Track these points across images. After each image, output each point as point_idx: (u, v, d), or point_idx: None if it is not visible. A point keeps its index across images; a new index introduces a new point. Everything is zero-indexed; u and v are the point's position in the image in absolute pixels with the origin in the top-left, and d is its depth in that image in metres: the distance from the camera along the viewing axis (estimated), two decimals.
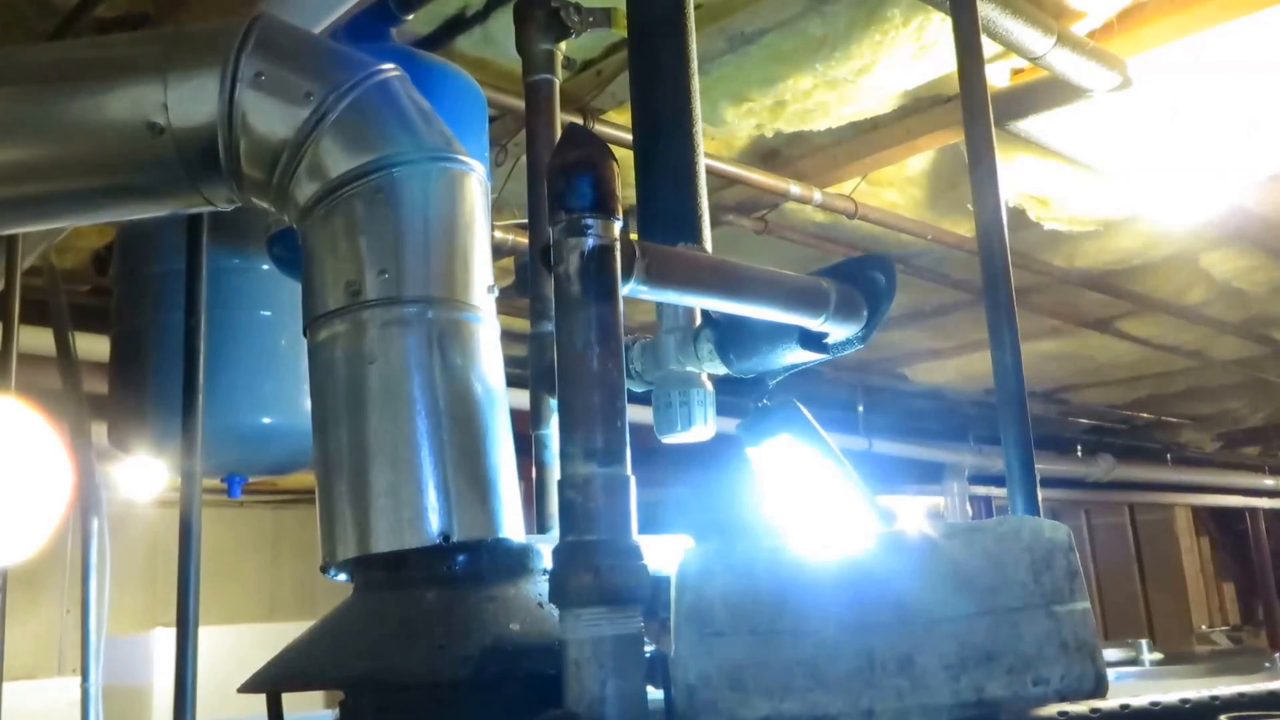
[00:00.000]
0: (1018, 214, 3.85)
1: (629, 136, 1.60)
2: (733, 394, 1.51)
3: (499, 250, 3.19)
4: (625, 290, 1.13)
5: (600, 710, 0.97)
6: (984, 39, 2.00)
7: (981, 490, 7.79)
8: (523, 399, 1.84)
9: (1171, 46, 2.79)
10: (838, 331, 1.46)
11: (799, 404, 1.46)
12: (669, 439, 1.47)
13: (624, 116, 2.86)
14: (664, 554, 1.07)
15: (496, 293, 1.45)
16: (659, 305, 1.48)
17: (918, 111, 3.22)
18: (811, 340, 1.45)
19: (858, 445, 6.30)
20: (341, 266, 1.36)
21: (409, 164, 1.38)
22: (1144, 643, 4.82)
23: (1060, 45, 2.63)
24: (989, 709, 0.95)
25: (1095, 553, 10.04)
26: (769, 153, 3.53)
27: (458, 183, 1.41)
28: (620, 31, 1.94)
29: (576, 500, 1.01)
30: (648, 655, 1.02)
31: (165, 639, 4.86)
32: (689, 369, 1.47)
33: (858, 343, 1.51)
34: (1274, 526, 10.93)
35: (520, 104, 2.12)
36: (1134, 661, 4.63)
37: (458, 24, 2.61)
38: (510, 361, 1.51)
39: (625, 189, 1.10)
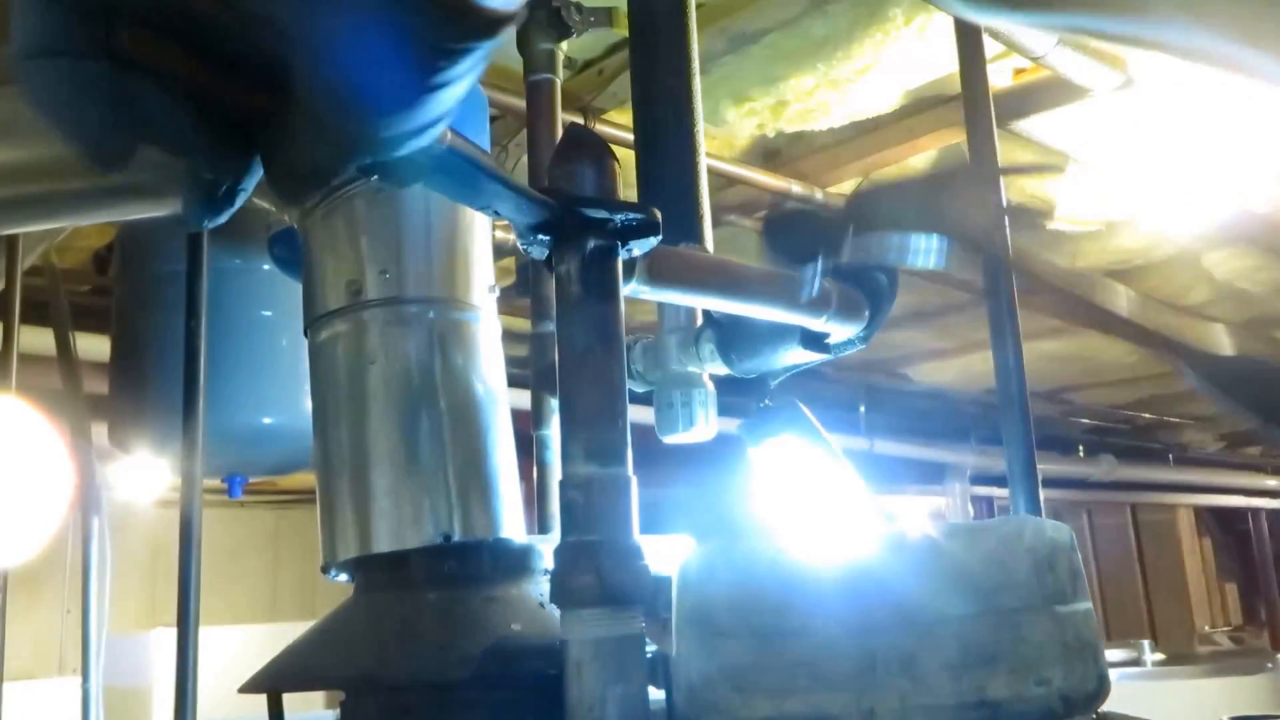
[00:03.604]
0: (1019, 213, 3.84)
1: (630, 136, 1.60)
2: (734, 394, 1.51)
3: (500, 250, 3.18)
4: (626, 291, 1.13)
5: (602, 711, 0.96)
6: (986, 38, 2.00)
7: (983, 491, 7.79)
8: (524, 399, 1.84)
9: None
10: (839, 331, 1.46)
11: (801, 404, 1.45)
12: (670, 439, 1.47)
13: (625, 116, 2.86)
14: (666, 554, 1.07)
15: (498, 292, 1.45)
16: (660, 305, 1.48)
17: (920, 111, 3.22)
18: (813, 340, 1.45)
19: (859, 445, 6.30)
20: (342, 266, 1.36)
21: None
22: (1146, 643, 4.83)
23: (1062, 44, 2.62)
24: (991, 709, 0.95)
25: (1097, 553, 10.03)
26: (770, 153, 3.52)
27: None
28: (621, 31, 1.94)
29: (578, 500, 1.01)
30: (650, 656, 1.01)
31: (165, 639, 4.86)
32: (690, 369, 1.47)
33: (859, 343, 1.51)
34: (1276, 527, 10.92)
35: (521, 104, 2.12)
36: (1136, 662, 4.63)
37: None
38: (511, 361, 1.51)
39: (626, 189, 1.10)
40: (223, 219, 0.47)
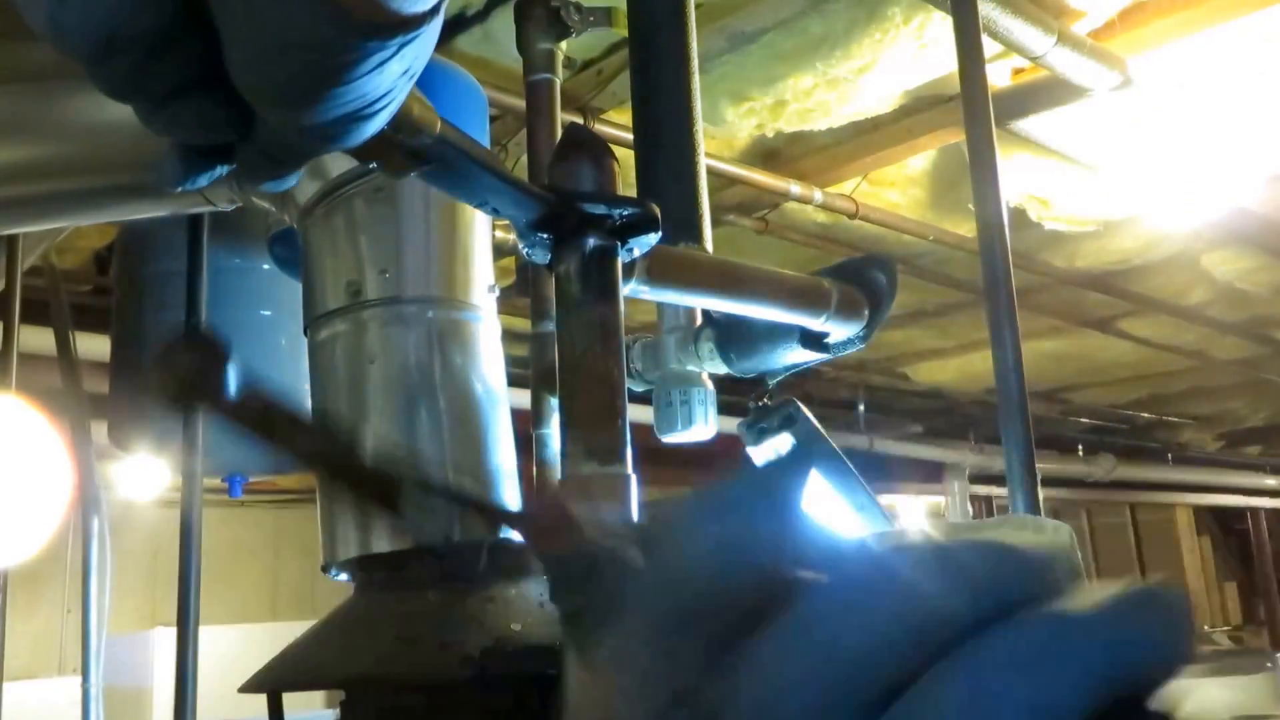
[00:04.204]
0: (1019, 214, 3.84)
1: (629, 136, 1.60)
2: (734, 393, 1.51)
3: (500, 250, 3.19)
4: (626, 290, 1.13)
5: None
6: (985, 38, 2.00)
7: (982, 490, 7.80)
8: (524, 398, 1.84)
9: (1172, 46, 2.79)
10: (839, 331, 1.46)
11: (800, 403, 1.45)
12: (669, 438, 1.47)
13: (624, 116, 2.86)
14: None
15: (497, 292, 1.45)
16: (660, 305, 1.48)
17: (918, 111, 3.22)
18: (812, 340, 1.45)
19: (859, 444, 6.30)
20: (342, 266, 1.36)
21: None
22: None
23: (1061, 45, 2.63)
24: None
25: (1096, 552, 10.04)
26: (769, 152, 3.53)
27: None
28: (621, 31, 1.94)
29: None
30: None
31: (166, 639, 4.87)
32: (690, 368, 1.47)
33: (859, 342, 1.51)
34: (1275, 526, 10.93)
35: (520, 103, 2.11)
36: None
37: (458, 23, 2.61)
38: (511, 361, 1.51)
39: (626, 189, 1.10)
40: (202, 183, 0.48)
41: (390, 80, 0.44)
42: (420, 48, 0.43)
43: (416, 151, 0.66)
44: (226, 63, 0.41)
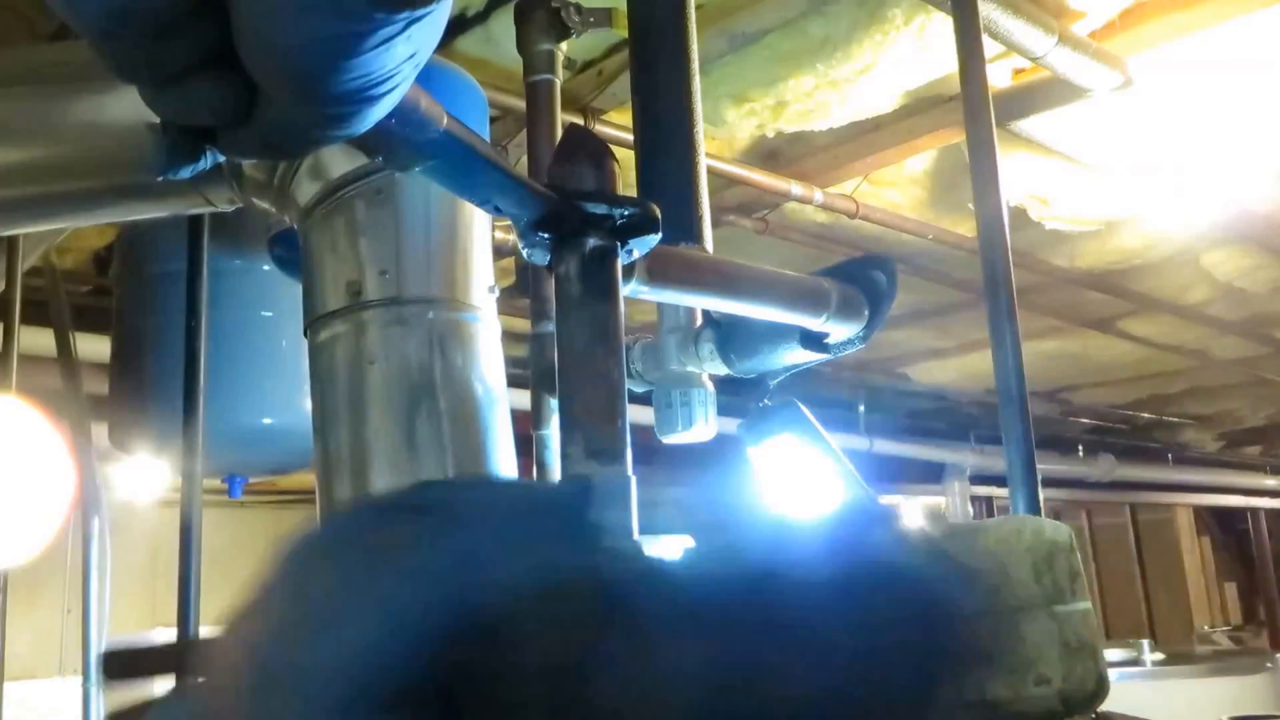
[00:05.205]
0: (1019, 213, 3.84)
1: (630, 136, 1.60)
2: (734, 394, 1.51)
3: (499, 250, 3.19)
4: (626, 290, 1.13)
5: None
6: (985, 39, 2.00)
7: (983, 490, 7.79)
8: (523, 399, 1.84)
9: (1173, 46, 2.79)
10: (839, 331, 1.46)
11: (800, 404, 1.45)
12: (669, 439, 1.47)
13: (625, 116, 2.86)
14: (664, 554, 1.07)
15: (497, 293, 1.45)
16: (660, 305, 1.48)
17: (919, 111, 3.22)
18: (812, 340, 1.45)
19: (859, 445, 6.30)
20: (342, 267, 1.36)
21: None
22: (1145, 643, 4.82)
23: (1061, 45, 2.63)
24: (990, 709, 0.95)
25: (1096, 553, 10.04)
26: (770, 153, 3.53)
27: None
28: (621, 31, 1.94)
29: None
30: None
31: (166, 639, 4.85)
32: (690, 369, 1.47)
33: (859, 343, 1.51)
34: (1275, 526, 10.93)
35: (521, 104, 2.12)
36: (1135, 662, 4.63)
37: (458, 24, 2.61)
38: (511, 361, 1.51)
39: (626, 189, 1.10)
40: (185, 174, 0.48)
41: (396, 61, 0.44)
42: (427, 33, 0.44)
43: (422, 145, 0.66)
44: (236, 38, 0.41)
